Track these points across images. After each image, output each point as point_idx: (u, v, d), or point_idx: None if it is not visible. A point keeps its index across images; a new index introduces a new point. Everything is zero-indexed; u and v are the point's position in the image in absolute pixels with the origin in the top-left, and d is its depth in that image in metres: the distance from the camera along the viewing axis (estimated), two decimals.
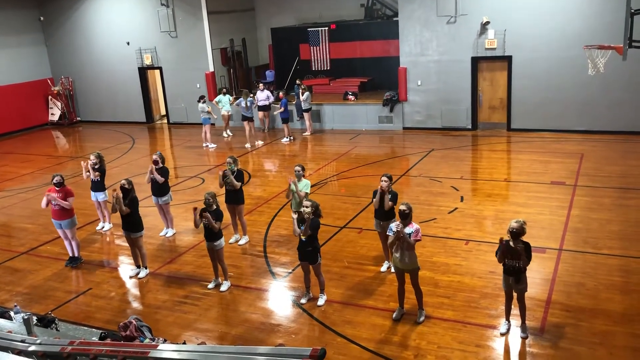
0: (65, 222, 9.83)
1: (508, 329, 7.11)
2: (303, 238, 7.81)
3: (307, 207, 7.82)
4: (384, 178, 8.56)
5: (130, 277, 9.47)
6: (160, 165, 10.68)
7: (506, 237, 6.85)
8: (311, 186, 12.89)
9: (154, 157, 10.74)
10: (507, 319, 7.17)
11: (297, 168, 9.50)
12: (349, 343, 7.16)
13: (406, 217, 7.27)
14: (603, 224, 10.09)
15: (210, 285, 8.86)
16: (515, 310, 7.13)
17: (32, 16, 23.50)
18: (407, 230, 7.22)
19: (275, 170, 15.81)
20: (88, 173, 11.08)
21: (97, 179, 11.12)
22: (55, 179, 9.78)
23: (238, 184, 10.04)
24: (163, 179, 10.58)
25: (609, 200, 11.19)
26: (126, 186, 9.24)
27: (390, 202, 8.42)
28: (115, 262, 10.25)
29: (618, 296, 7.75)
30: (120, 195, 9.14)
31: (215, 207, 8.55)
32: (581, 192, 11.67)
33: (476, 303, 7.82)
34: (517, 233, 6.70)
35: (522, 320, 7.06)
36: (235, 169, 10.10)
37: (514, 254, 6.74)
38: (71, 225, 9.89)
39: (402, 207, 7.31)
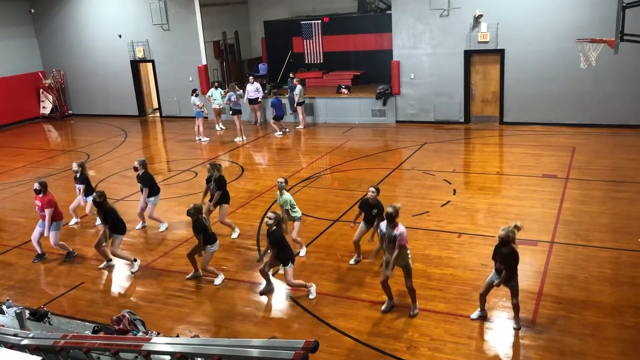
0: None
1: (479, 317, 7.24)
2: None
3: (270, 218, 7.84)
4: (371, 189, 8.62)
5: (99, 268, 9.51)
6: (141, 172, 10.54)
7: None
8: (305, 179, 12.93)
9: (135, 164, 10.60)
10: (482, 308, 7.27)
11: (280, 180, 9.31)
12: (341, 335, 7.19)
13: (392, 220, 7.19)
14: (594, 216, 10.16)
15: (189, 276, 8.91)
16: (507, 303, 7.18)
17: (22, 8, 23.28)
18: (393, 233, 7.19)
19: (268, 164, 15.79)
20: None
21: (79, 190, 11.00)
22: (35, 185, 9.64)
23: (219, 194, 10.06)
24: (147, 188, 10.52)
25: (600, 193, 11.26)
26: (97, 199, 9.08)
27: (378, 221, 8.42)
28: (107, 256, 10.21)
29: (609, 288, 7.82)
30: (107, 234, 9.09)
31: (196, 218, 8.48)
32: (573, 185, 11.74)
33: (468, 295, 7.87)
34: (503, 241, 6.71)
35: (515, 313, 7.09)
36: (217, 174, 10.07)
37: (502, 260, 6.83)
38: (55, 228, 9.73)
39: (389, 209, 7.20)
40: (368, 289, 8.27)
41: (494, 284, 6.96)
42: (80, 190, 10.99)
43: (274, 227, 7.86)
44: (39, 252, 10.07)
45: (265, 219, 7.94)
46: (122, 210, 10.40)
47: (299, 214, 9.35)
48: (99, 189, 11.21)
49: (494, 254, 6.99)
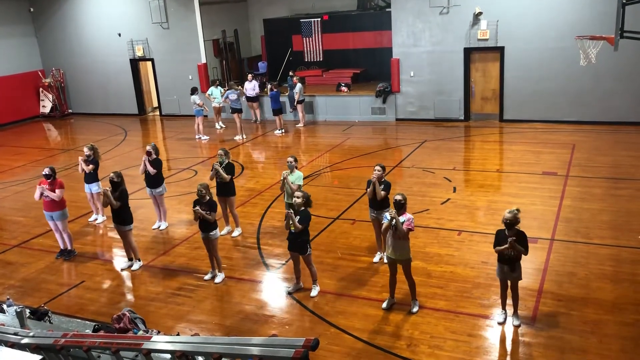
0: (56, 213, 9.80)
1: (505, 319, 7.17)
2: (293, 230, 7.83)
3: (298, 197, 7.83)
4: (377, 167, 8.59)
5: (122, 270, 9.46)
6: (154, 156, 10.64)
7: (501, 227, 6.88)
8: (304, 178, 12.93)
9: (148, 148, 10.70)
10: (504, 308, 7.22)
11: (290, 159, 9.46)
12: (342, 333, 7.19)
13: (401, 207, 7.29)
14: (594, 214, 10.16)
15: (207, 277, 8.87)
16: (509, 300, 7.18)
17: (22, 7, 23.27)
18: (401, 219, 7.24)
19: (268, 162, 15.78)
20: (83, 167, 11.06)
21: (91, 172, 11.08)
22: (45, 170, 9.76)
23: (227, 177, 10.00)
24: (155, 171, 10.55)
25: (600, 190, 11.26)
26: (115, 179, 9.19)
27: (383, 192, 8.44)
28: (108, 255, 10.23)
29: (609, 285, 7.82)
30: (109, 190, 9.11)
31: (208, 198, 8.55)
32: (573, 183, 11.73)
33: (469, 293, 7.87)
34: (511, 223, 6.74)
35: (515, 309, 7.12)
36: (226, 161, 10.07)
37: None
38: (62, 217, 9.86)
39: (397, 197, 7.33)
40: (368, 286, 8.27)
41: (511, 244, 6.76)
42: (89, 168, 11.00)
43: (302, 207, 7.78)
44: (62, 246, 10.13)
45: (294, 199, 7.89)
46: None
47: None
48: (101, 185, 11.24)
49: (499, 240, 6.87)
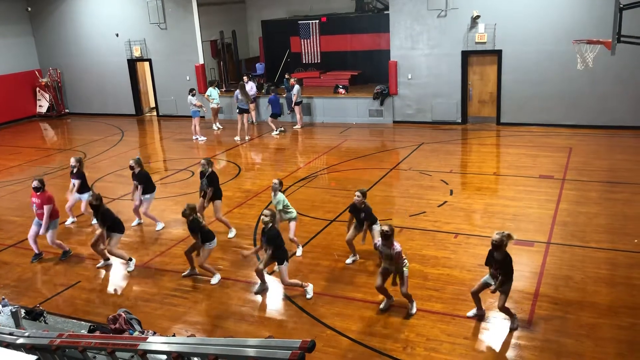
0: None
1: (475, 315, 7.29)
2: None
3: (266, 216, 7.81)
4: (357, 193, 8.62)
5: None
6: (137, 170, 10.57)
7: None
8: (301, 180, 12.94)
9: (131, 163, 10.60)
10: (479, 307, 7.30)
11: (275, 181, 9.30)
12: (338, 335, 7.19)
13: (388, 239, 7.20)
14: (591, 217, 10.18)
15: (185, 274, 8.92)
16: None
17: (19, 7, 23.24)
18: (390, 252, 7.22)
19: (265, 164, 15.77)
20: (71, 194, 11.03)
21: (74, 185, 10.91)
22: (34, 183, 9.58)
23: (210, 191, 10.13)
24: (143, 186, 10.53)
25: (596, 194, 11.29)
26: (93, 202, 9.04)
27: (374, 229, 8.60)
28: (105, 255, 10.19)
29: (605, 289, 7.84)
30: (105, 235, 9.13)
31: (191, 218, 8.50)
32: (569, 186, 11.76)
33: (465, 296, 7.86)
34: (497, 245, 6.72)
35: (509, 315, 7.10)
36: (210, 170, 10.15)
37: (497, 266, 6.84)
38: (52, 226, 9.70)
39: (385, 228, 7.22)
40: (364, 289, 8.26)
41: (491, 290, 6.96)
42: (74, 185, 10.93)
43: (270, 225, 7.83)
44: (36, 251, 10.01)
45: (262, 216, 7.94)
46: (117, 209, 10.48)
47: (294, 214, 9.34)
48: (94, 189, 11.20)
49: (488, 259, 7.00)
